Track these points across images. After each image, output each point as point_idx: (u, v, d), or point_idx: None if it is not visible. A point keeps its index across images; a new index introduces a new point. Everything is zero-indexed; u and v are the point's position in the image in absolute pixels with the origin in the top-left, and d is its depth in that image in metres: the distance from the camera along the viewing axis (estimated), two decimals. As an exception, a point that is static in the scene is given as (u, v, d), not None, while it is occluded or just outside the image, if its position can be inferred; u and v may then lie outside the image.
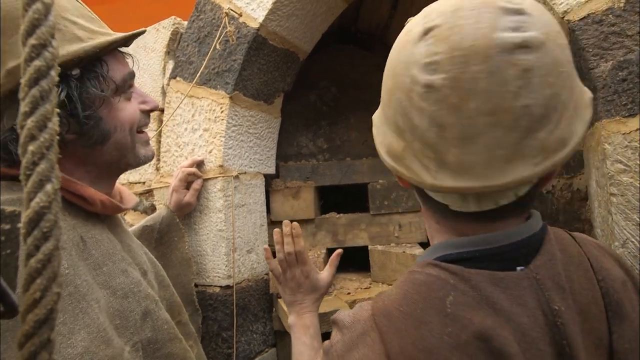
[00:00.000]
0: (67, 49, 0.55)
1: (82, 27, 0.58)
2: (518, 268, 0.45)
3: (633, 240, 0.71)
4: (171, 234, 1.08)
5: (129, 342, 0.58)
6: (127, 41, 0.63)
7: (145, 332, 0.61)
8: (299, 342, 0.82)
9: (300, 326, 0.85)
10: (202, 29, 1.22)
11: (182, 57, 1.26)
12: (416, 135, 0.44)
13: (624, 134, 0.70)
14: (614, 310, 0.46)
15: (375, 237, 1.43)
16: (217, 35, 1.12)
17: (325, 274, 0.94)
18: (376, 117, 0.51)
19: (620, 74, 0.70)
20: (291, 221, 1.23)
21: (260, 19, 1.12)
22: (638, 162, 0.70)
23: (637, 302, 0.48)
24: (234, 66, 1.16)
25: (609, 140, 0.72)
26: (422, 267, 0.48)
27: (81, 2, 0.62)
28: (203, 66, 1.14)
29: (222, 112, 1.19)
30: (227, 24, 1.11)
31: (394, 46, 0.47)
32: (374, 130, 0.52)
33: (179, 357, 0.68)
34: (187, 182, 1.14)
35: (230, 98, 1.17)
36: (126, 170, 0.71)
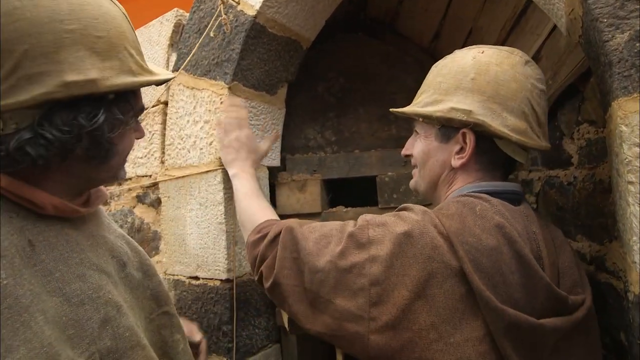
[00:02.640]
0: (122, 79, 0.57)
1: (135, 62, 0.60)
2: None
3: (655, 234, 0.63)
4: None
5: (85, 353, 0.54)
6: (159, 83, 0.66)
7: (104, 340, 0.57)
8: (247, 187, 0.98)
9: (246, 174, 1.01)
10: (203, 20, 1.21)
11: (183, 48, 1.25)
12: (534, 118, 0.75)
13: (643, 113, 0.62)
14: (557, 245, 0.73)
15: (383, 231, 1.37)
16: (211, 24, 1.09)
17: (264, 142, 1.14)
18: (477, 106, 0.74)
19: (638, 45, 0.62)
20: (298, 215, 1.26)
21: (257, 6, 1.09)
22: (661, 145, 0.61)
23: (569, 246, 0.76)
24: (232, 56, 1.14)
25: (626, 122, 0.63)
26: (456, 197, 0.73)
27: (135, 33, 0.64)
28: (191, 55, 1.12)
29: (221, 103, 1.17)
30: (222, 12, 1.09)
31: (498, 63, 0.75)
32: (480, 117, 0.73)
33: None
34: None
35: (229, 88, 1.15)
36: (100, 185, 0.70)
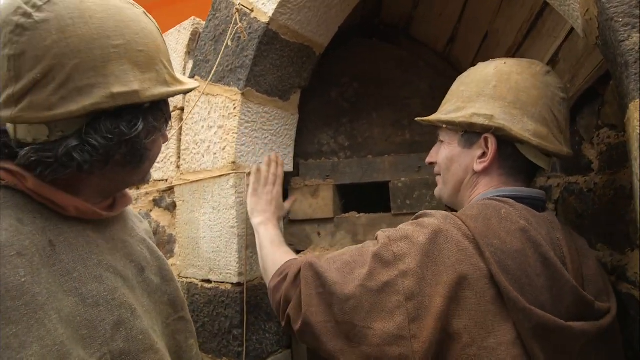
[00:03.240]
0: (159, 90, 0.62)
1: (168, 72, 0.65)
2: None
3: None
4: None
5: (96, 354, 0.55)
6: (187, 92, 0.70)
7: (116, 342, 0.58)
8: (274, 235, 1.02)
9: (273, 226, 1.06)
10: (218, 27, 1.23)
11: (199, 56, 1.28)
12: (555, 124, 0.77)
13: (661, 115, 0.59)
14: (581, 254, 0.72)
15: (396, 238, 1.35)
16: (229, 32, 1.12)
17: (287, 202, 1.28)
18: (498, 111, 0.76)
19: (656, 44, 0.59)
20: (310, 220, 1.29)
21: (270, 13, 1.11)
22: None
23: (594, 255, 0.76)
24: (245, 62, 1.16)
25: (644, 124, 0.61)
26: (480, 200, 0.74)
27: (166, 45, 0.69)
28: (217, 63, 1.14)
29: (234, 108, 1.19)
30: (238, 20, 1.11)
31: (519, 72, 0.78)
32: (499, 121, 0.76)
33: None
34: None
35: (243, 94, 1.17)
36: (130, 187, 0.74)
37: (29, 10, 0.52)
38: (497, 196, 0.74)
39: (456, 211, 0.84)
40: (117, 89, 0.56)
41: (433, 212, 0.72)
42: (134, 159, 0.63)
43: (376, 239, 0.72)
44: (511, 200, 0.71)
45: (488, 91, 0.77)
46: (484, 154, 0.77)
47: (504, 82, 0.77)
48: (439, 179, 0.89)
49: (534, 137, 0.73)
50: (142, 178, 0.70)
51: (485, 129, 0.76)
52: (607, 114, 0.99)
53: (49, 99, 0.53)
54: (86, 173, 0.59)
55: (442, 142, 0.87)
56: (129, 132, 0.59)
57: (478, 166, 0.78)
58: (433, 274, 0.63)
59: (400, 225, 0.72)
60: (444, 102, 0.88)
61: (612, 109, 0.97)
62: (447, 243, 0.64)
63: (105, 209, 0.67)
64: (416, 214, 0.75)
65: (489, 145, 0.76)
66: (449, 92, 0.87)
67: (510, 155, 0.77)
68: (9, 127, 0.57)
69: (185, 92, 0.68)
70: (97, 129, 0.57)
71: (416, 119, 0.92)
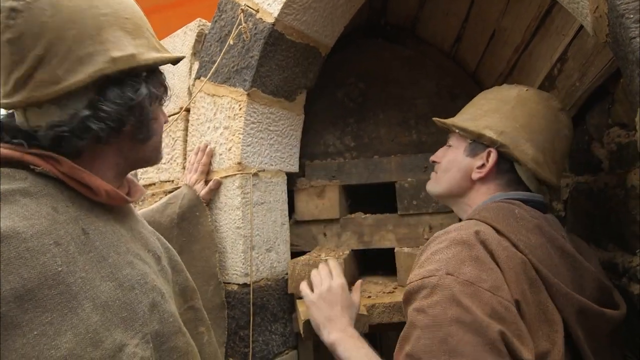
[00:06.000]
0: (152, 55, 0.65)
1: (156, 41, 0.69)
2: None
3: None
4: (193, 209, 1.13)
5: (138, 334, 0.56)
6: (176, 61, 0.72)
7: (153, 324, 0.60)
8: (361, 351, 0.76)
9: (351, 337, 0.79)
10: (223, 28, 1.24)
11: (205, 57, 1.28)
12: (551, 155, 0.84)
13: (674, 113, 0.58)
14: (582, 252, 0.77)
15: (403, 238, 1.34)
16: (232, 32, 1.12)
17: (354, 295, 0.94)
18: (508, 130, 0.83)
19: (668, 41, 0.58)
20: (316, 220, 1.24)
21: (276, 14, 1.11)
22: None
23: (594, 254, 0.82)
24: (251, 63, 1.16)
25: (656, 122, 0.60)
26: (492, 203, 0.78)
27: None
28: (217, 62, 1.14)
29: (240, 109, 1.19)
30: (242, 20, 1.11)
31: (537, 102, 0.86)
32: (506, 139, 0.83)
33: (181, 350, 0.66)
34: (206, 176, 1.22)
35: (248, 95, 1.17)
36: (144, 167, 0.76)
37: None
38: (506, 199, 0.80)
39: (448, 207, 0.96)
40: (115, 53, 0.59)
41: (455, 229, 0.70)
42: (143, 129, 0.66)
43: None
44: (518, 202, 0.78)
45: (505, 110, 0.85)
46: (483, 165, 0.84)
47: (521, 106, 0.85)
48: (432, 174, 0.97)
49: (530, 161, 0.81)
50: (154, 155, 0.72)
51: (492, 143, 0.83)
52: (617, 112, 0.98)
53: (55, 73, 0.55)
54: (103, 147, 0.62)
55: (450, 146, 0.94)
56: (134, 96, 0.61)
57: (475, 175, 0.85)
58: (501, 280, 0.62)
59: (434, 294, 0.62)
60: (463, 110, 0.96)
61: (623, 107, 0.95)
62: (493, 245, 0.66)
63: (126, 194, 0.68)
64: (436, 239, 0.71)
65: (489, 158, 0.84)
66: (470, 103, 0.95)
67: (507, 171, 0.84)
68: (21, 118, 0.58)
69: (176, 60, 0.69)
70: (105, 96, 0.59)
71: (433, 118, 0.99)
